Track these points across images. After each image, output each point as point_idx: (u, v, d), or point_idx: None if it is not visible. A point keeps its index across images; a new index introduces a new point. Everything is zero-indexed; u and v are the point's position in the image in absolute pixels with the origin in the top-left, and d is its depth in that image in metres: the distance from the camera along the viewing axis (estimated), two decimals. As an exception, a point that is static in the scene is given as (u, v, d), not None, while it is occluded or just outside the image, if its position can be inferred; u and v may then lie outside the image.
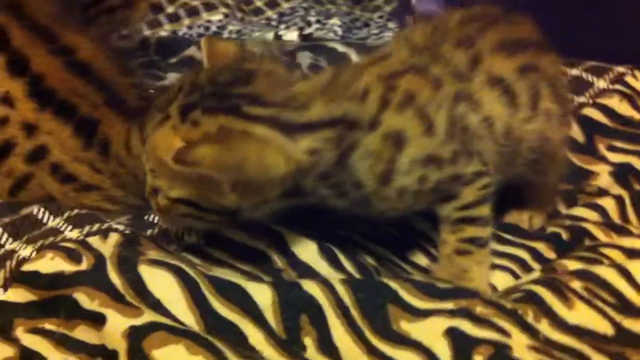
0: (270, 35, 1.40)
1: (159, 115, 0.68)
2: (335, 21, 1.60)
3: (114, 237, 0.71)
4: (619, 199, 0.89)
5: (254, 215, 0.71)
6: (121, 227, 0.75)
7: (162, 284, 0.66)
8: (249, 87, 0.68)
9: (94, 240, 0.70)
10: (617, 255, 0.76)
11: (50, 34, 0.83)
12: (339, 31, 1.54)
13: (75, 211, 0.76)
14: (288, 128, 0.67)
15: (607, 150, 0.99)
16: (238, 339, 0.63)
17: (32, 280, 0.66)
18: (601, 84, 1.05)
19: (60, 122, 0.79)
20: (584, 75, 1.07)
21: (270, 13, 1.68)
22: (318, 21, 1.60)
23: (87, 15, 1.02)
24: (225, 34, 1.46)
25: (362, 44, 1.32)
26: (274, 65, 0.73)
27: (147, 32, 1.42)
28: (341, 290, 0.67)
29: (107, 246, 0.70)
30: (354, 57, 1.20)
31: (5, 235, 0.75)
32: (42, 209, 0.77)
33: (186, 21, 1.56)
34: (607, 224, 0.85)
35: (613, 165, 0.97)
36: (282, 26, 1.59)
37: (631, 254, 0.75)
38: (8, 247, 0.73)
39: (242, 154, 0.64)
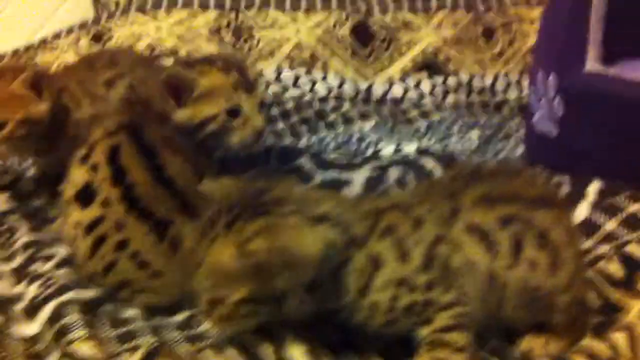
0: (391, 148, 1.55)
1: (208, 237, 0.82)
2: (474, 133, 1.70)
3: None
4: (630, 332, 0.90)
5: (293, 305, 0.83)
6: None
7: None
8: (270, 194, 0.85)
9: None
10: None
11: (151, 152, 1.06)
12: (476, 143, 1.64)
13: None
14: (311, 217, 0.82)
15: (647, 287, 0.98)
16: None
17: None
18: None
19: (141, 222, 1.01)
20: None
21: (419, 124, 1.80)
22: (460, 132, 1.71)
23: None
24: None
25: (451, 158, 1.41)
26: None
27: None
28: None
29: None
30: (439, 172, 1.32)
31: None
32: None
33: (341, 128, 1.76)
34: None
35: (648, 303, 0.96)
36: (427, 136, 1.72)
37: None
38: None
39: (285, 237, 0.79)
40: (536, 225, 0.88)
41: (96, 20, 2.09)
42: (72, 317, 0.92)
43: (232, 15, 2.05)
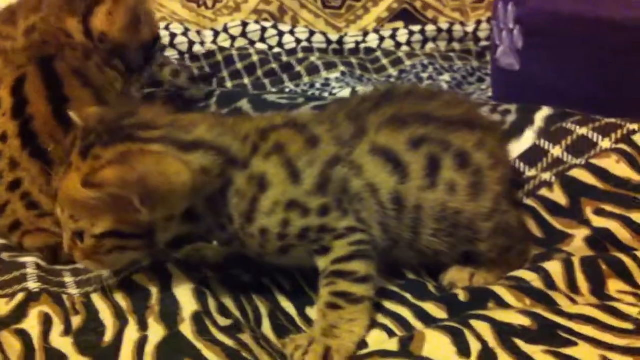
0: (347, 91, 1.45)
1: (63, 167, 0.76)
2: (445, 77, 1.60)
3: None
4: (567, 263, 0.80)
5: (167, 238, 0.76)
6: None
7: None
8: (136, 118, 0.76)
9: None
10: (485, 330, 0.69)
11: (58, 83, 0.99)
12: (445, 86, 1.54)
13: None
14: (180, 144, 0.74)
15: (593, 214, 0.88)
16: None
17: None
18: (605, 144, 0.93)
19: (34, 160, 0.95)
20: (590, 134, 0.95)
21: (392, 71, 1.72)
22: (430, 77, 1.61)
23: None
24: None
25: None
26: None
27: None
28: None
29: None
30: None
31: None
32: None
33: (306, 79, 1.68)
34: (526, 289, 0.77)
35: (593, 230, 0.86)
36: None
37: (500, 330, 0.68)
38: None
39: (143, 168, 0.70)
40: (454, 146, 0.80)
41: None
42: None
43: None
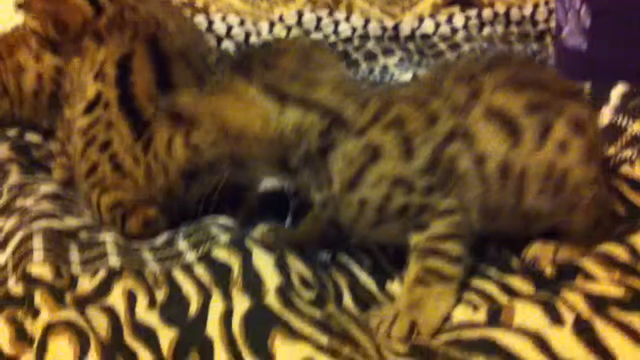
0: (408, 76, 1.44)
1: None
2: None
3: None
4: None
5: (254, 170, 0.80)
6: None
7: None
8: (271, 58, 0.76)
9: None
10: (577, 301, 0.67)
11: (164, 60, 1.00)
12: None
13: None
14: (284, 97, 0.74)
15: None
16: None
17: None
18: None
19: (124, 120, 0.97)
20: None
21: (449, 55, 1.70)
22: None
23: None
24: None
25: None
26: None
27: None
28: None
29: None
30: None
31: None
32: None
33: (363, 65, 1.67)
34: (614, 262, 0.75)
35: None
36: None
37: (593, 301, 0.67)
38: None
39: (224, 105, 0.73)
40: (569, 113, 0.77)
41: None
42: (36, 243, 0.87)
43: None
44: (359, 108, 0.76)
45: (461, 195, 0.75)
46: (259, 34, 1.82)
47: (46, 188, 1.07)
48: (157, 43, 1.02)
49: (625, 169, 0.91)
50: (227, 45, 1.75)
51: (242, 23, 1.83)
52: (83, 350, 0.67)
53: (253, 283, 0.74)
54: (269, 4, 1.97)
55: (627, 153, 0.92)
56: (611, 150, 0.95)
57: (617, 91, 1.01)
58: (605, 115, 0.99)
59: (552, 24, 1.84)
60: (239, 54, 0.75)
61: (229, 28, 1.81)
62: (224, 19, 1.82)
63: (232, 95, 0.74)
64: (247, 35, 1.80)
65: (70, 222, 0.98)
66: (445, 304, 0.74)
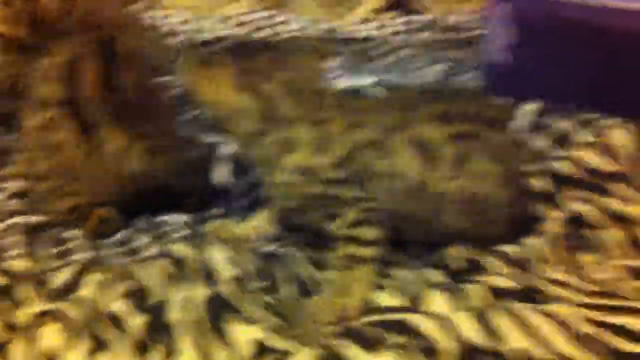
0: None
1: None
2: (435, 67, 1.69)
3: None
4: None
5: None
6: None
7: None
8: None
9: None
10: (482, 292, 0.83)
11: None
12: (436, 76, 1.64)
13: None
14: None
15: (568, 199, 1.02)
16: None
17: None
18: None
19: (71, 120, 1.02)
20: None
21: (387, 59, 1.79)
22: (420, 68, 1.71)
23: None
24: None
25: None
26: None
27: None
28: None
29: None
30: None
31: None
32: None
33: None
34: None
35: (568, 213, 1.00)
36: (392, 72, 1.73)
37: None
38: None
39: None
40: (491, 142, 0.90)
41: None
42: (13, 238, 0.97)
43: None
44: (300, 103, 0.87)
45: (374, 188, 0.87)
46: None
47: (14, 184, 1.15)
48: (110, 45, 1.06)
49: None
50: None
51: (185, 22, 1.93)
52: (70, 338, 0.78)
53: (209, 274, 0.88)
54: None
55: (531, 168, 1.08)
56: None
57: (527, 108, 1.16)
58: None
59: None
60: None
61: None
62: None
63: None
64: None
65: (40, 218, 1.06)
66: (366, 286, 0.85)
